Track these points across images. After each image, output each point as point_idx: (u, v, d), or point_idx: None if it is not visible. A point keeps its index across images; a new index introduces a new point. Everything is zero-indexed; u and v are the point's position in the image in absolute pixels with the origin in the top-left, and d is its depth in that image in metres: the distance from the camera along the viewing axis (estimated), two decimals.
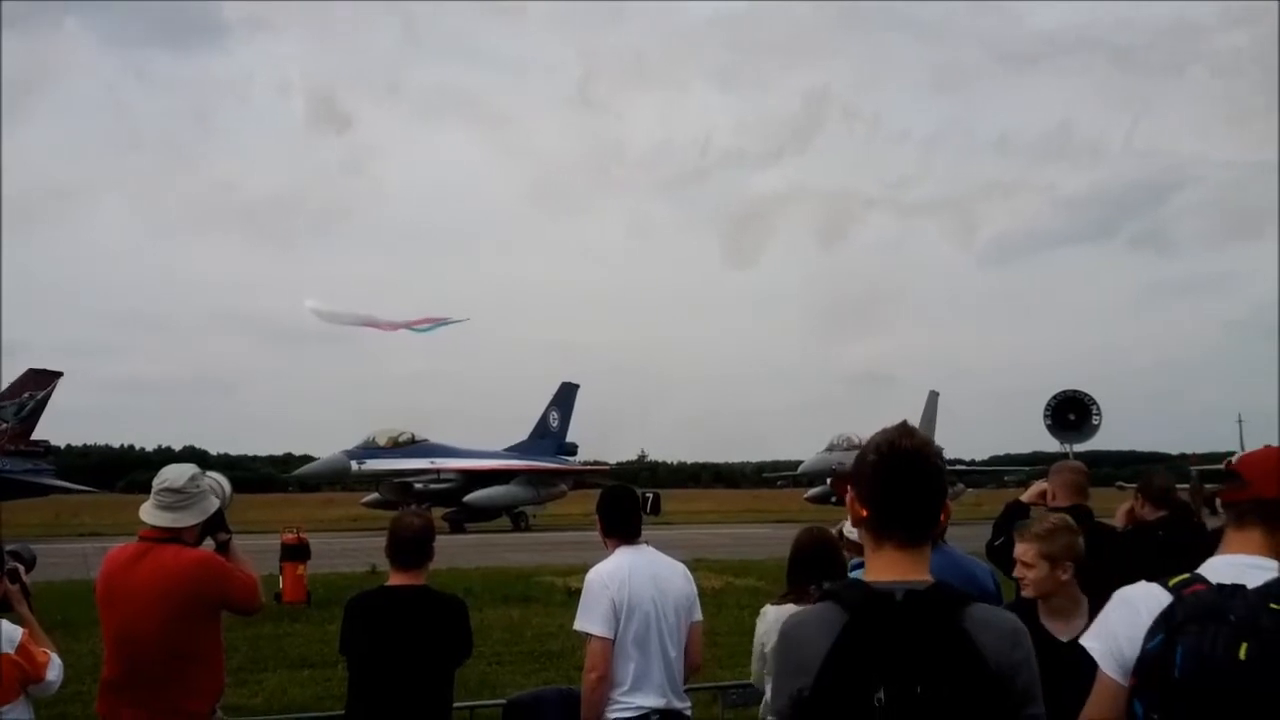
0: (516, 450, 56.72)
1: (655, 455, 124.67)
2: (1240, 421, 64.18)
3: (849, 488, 2.60)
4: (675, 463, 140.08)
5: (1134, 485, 7.59)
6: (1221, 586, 2.57)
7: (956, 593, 2.43)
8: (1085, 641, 2.77)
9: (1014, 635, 2.36)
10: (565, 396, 59.92)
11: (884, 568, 2.48)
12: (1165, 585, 2.65)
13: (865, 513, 2.51)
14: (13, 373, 44.33)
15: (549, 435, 58.55)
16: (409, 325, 56.83)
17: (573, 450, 59.31)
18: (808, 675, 2.36)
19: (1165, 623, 2.56)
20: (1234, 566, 2.65)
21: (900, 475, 2.47)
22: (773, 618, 5.16)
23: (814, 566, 5.23)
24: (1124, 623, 2.66)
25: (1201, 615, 2.51)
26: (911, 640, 2.30)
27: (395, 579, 5.17)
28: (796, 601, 5.14)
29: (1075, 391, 37.95)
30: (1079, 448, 36.29)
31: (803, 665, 2.38)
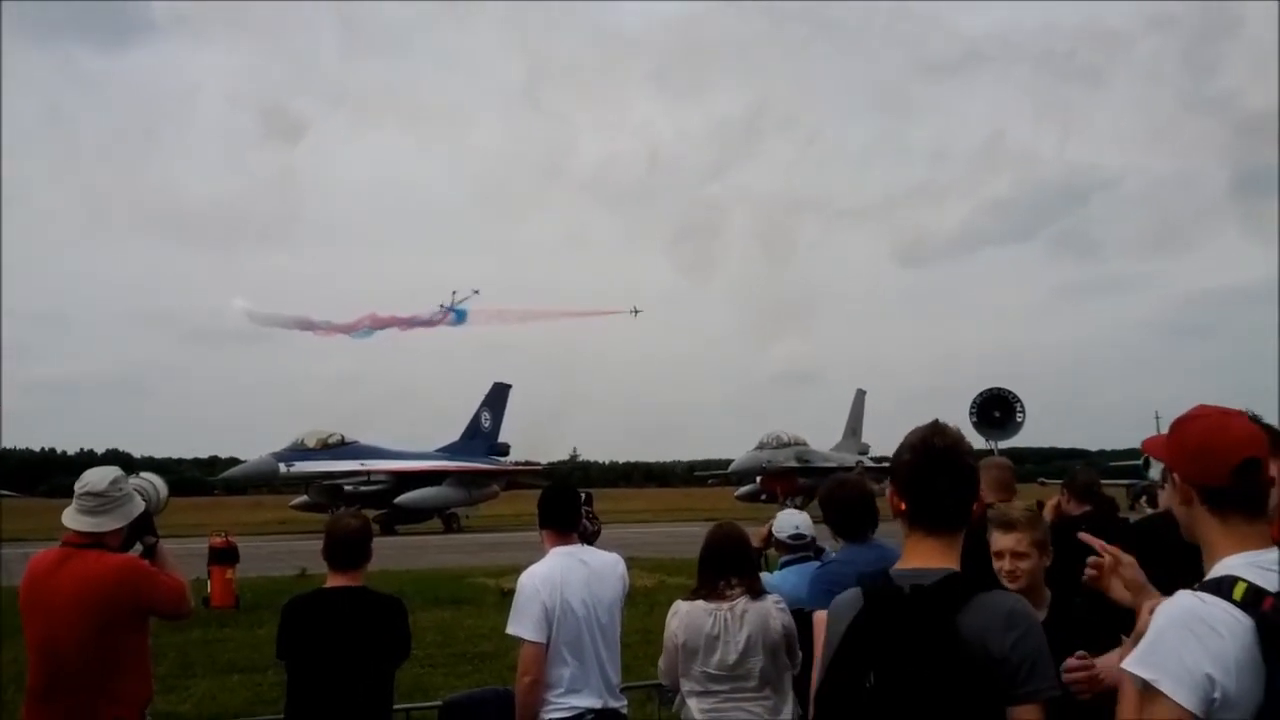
0: (448, 451, 56.44)
1: (587, 455, 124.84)
2: (1158, 418, 65.75)
3: (889, 483, 2.84)
4: (607, 462, 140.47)
5: (1057, 482, 7.79)
6: None
7: (965, 585, 2.62)
8: (1139, 670, 2.26)
9: (1009, 617, 2.56)
10: (497, 397, 59.75)
11: (915, 556, 2.74)
12: (1229, 598, 2.27)
13: (903, 506, 2.77)
14: None
15: (480, 436, 58.34)
16: (346, 330, 57.04)
17: (505, 451, 59.18)
18: (830, 651, 2.69)
19: None
20: (1257, 567, 2.36)
21: (934, 472, 2.73)
22: (684, 613, 5.19)
23: (724, 562, 5.26)
24: (1204, 649, 2.22)
25: None
26: (906, 633, 2.54)
27: (333, 580, 5.15)
28: (708, 598, 5.18)
29: (1000, 390, 38.65)
30: (1003, 445, 36.96)
31: (829, 641, 2.71)
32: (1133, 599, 3.15)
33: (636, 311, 64.13)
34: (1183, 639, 2.24)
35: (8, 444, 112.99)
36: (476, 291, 63.64)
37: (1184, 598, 2.32)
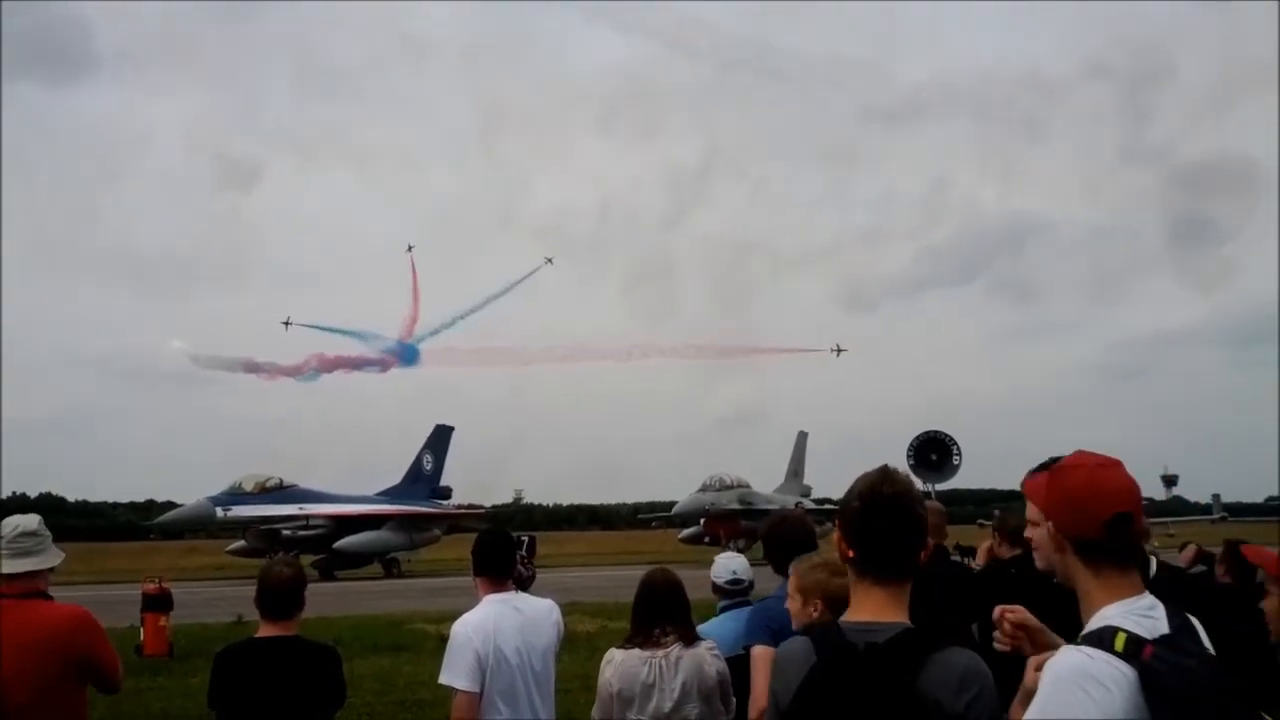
0: (389, 494, 55.86)
1: (532, 497, 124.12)
2: None
3: (836, 530, 2.83)
4: (551, 505, 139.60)
5: (992, 523, 7.91)
6: (1170, 642, 2.36)
7: (919, 643, 2.61)
8: None
9: (964, 677, 2.55)
10: (440, 439, 59.33)
11: (864, 607, 2.73)
12: (1111, 650, 2.34)
13: (851, 554, 2.76)
14: None
15: (422, 479, 57.84)
16: (292, 373, 56.59)
17: (447, 494, 58.70)
18: (782, 705, 2.67)
19: (1173, 706, 2.27)
20: (1134, 615, 2.44)
21: (883, 520, 2.72)
22: (618, 661, 5.18)
23: (658, 609, 5.26)
24: (1094, 704, 2.27)
25: (1199, 689, 2.29)
26: (862, 695, 2.54)
27: (265, 630, 5.12)
28: (643, 646, 5.17)
29: (936, 432, 38.98)
30: (941, 487, 37.27)
31: (780, 697, 2.69)
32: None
33: (839, 351, 63.80)
34: (1073, 695, 2.29)
35: None
36: (549, 260, 65.87)
37: (1069, 654, 2.38)
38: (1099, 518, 2.52)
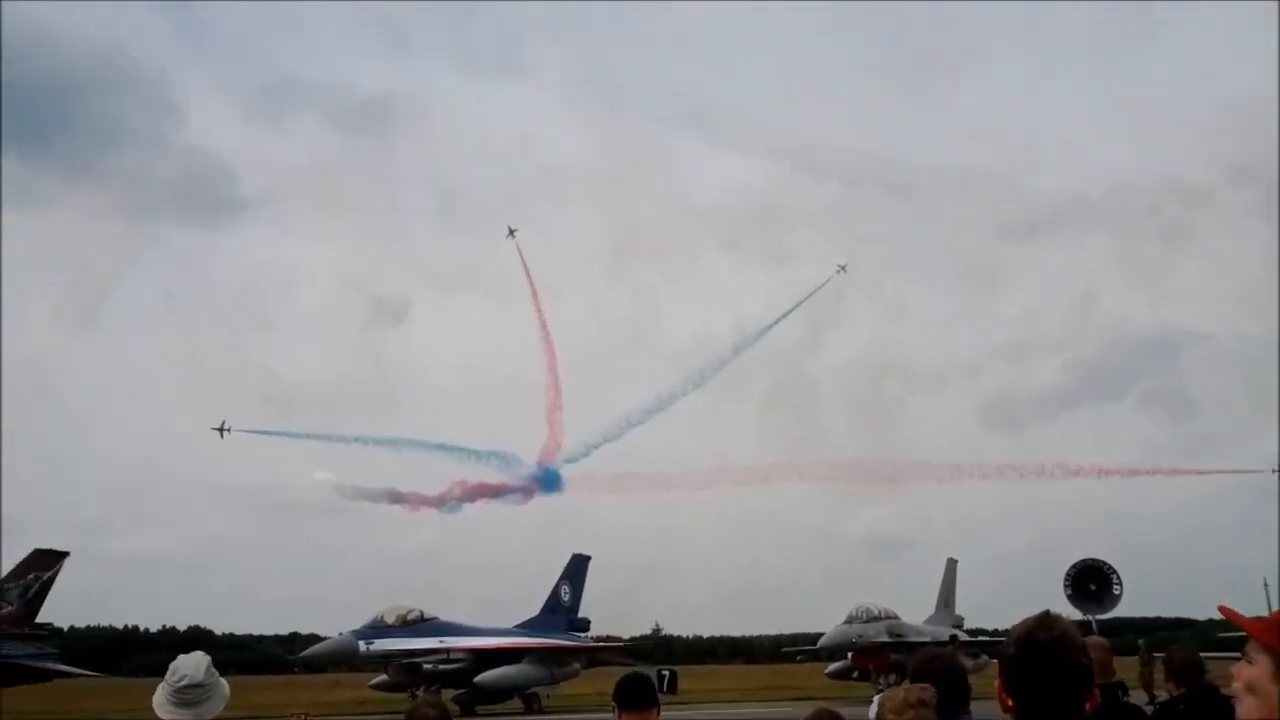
0: (527, 627, 55.72)
1: (670, 629, 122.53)
2: (1266, 585, 62.88)
3: (997, 676, 2.70)
4: (691, 636, 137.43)
5: (1159, 655, 7.50)
6: None
7: None
8: None
9: None
10: (577, 569, 59.14)
11: None
12: None
13: (1010, 703, 2.64)
14: (14, 551, 44.34)
15: (560, 610, 57.60)
16: (435, 504, 57.00)
17: (585, 626, 58.24)
18: None
19: None
20: None
21: (1042, 667, 2.58)
22: None
23: None
24: None
25: None
26: None
27: None
28: None
29: (1095, 561, 37.39)
30: (1101, 617, 35.58)
31: None
32: None
33: None
34: None
35: (90, 621, 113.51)
36: (843, 268, 64.05)
37: None
38: None
